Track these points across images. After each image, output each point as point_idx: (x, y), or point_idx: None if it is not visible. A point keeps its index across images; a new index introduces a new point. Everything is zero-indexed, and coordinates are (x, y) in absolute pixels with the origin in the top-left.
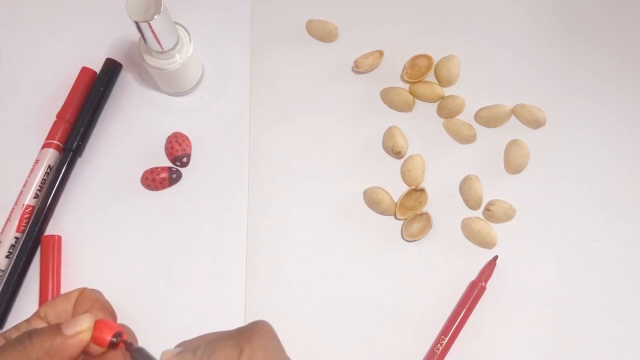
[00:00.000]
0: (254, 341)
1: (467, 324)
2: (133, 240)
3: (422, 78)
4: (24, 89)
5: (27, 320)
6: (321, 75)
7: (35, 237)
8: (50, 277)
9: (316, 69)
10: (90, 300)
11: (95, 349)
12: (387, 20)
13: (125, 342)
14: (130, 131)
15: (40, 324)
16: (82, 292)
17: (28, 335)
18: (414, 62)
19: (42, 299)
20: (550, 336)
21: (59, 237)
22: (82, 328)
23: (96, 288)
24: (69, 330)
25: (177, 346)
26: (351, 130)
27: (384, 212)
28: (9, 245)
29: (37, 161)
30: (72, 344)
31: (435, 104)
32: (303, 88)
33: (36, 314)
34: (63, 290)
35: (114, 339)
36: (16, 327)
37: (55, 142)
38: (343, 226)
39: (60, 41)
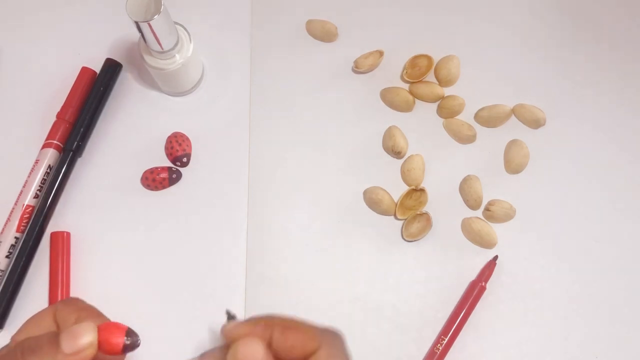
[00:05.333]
0: (334, 347)
1: (467, 324)
2: (133, 240)
3: (422, 78)
4: (24, 89)
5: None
6: (321, 75)
7: (35, 237)
8: (59, 272)
9: (316, 69)
10: (74, 312)
11: (107, 358)
12: (387, 20)
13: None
14: (130, 131)
15: None
16: (58, 308)
17: (21, 351)
18: (414, 62)
19: (52, 295)
20: (550, 336)
21: (68, 234)
22: (84, 343)
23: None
24: (68, 347)
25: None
26: (351, 130)
27: (384, 212)
28: (9, 245)
29: (37, 161)
30: None
31: (435, 104)
32: (303, 88)
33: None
34: (72, 286)
35: (128, 340)
36: None
37: (55, 142)
38: (343, 226)
39: (60, 41)
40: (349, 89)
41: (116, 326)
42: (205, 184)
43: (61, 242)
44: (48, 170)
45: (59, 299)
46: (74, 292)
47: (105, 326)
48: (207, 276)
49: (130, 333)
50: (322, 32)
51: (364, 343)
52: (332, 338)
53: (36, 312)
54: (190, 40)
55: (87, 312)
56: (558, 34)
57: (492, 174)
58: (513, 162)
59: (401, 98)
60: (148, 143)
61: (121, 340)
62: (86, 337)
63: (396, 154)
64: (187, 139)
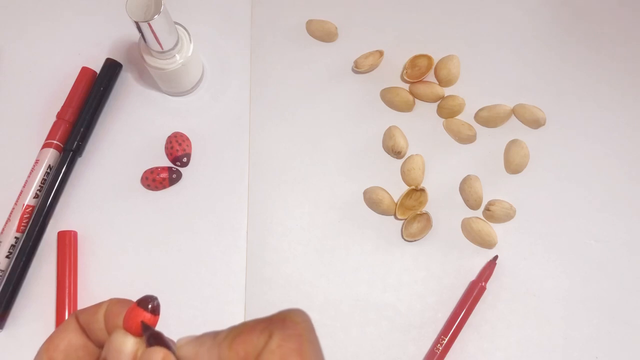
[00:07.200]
0: (288, 328)
1: (467, 324)
2: (133, 240)
3: (422, 78)
4: (24, 89)
5: None
6: (321, 75)
7: (35, 237)
8: (67, 271)
9: (316, 69)
10: (97, 310)
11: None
12: (387, 20)
13: (145, 324)
14: (130, 131)
15: None
16: (79, 316)
17: None
18: (414, 62)
19: (60, 294)
20: (550, 336)
21: (75, 233)
22: (129, 351)
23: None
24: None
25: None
26: (351, 130)
27: (384, 212)
28: (9, 245)
29: (37, 161)
30: None
31: (435, 104)
32: (303, 88)
33: None
34: (78, 285)
35: (152, 306)
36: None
37: (55, 142)
38: (343, 226)
39: (60, 41)
40: (349, 89)
41: (131, 309)
42: (205, 184)
43: (68, 241)
44: (48, 170)
45: (67, 298)
46: (79, 292)
47: (127, 317)
48: (207, 276)
49: (142, 303)
50: (322, 32)
51: (364, 343)
52: (282, 321)
53: (39, 312)
54: (190, 40)
55: (108, 309)
56: (558, 34)
57: (492, 174)
58: (513, 162)
59: (401, 98)
60: (148, 143)
61: (147, 314)
62: (127, 344)
63: (396, 154)
64: (187, 139)
